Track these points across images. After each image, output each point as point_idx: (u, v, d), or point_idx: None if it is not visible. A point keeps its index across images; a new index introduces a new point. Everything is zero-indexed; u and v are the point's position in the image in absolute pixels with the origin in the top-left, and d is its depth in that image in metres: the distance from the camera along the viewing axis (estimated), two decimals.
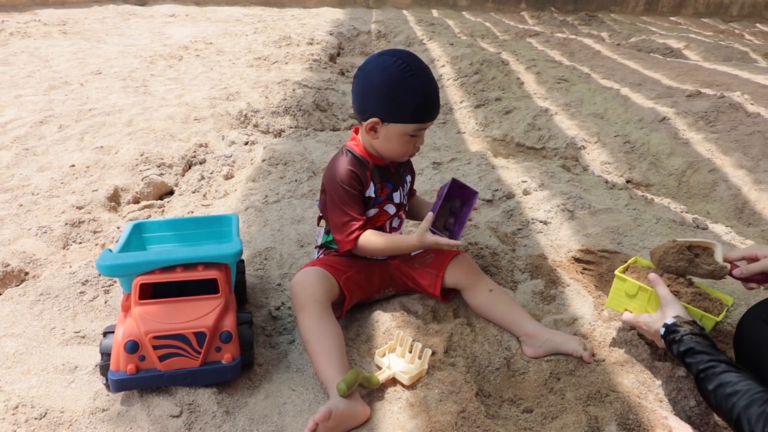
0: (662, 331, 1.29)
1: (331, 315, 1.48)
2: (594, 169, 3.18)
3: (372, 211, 1.64)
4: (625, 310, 1.47)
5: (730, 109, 3.47)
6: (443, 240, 1.48)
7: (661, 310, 1.35)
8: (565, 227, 2.25)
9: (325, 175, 1.64)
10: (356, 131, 1.64)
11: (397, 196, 1.69)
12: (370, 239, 1.57)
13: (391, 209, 1.67)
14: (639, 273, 1.49)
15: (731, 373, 1.12)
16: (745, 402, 1.06)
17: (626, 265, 1.55)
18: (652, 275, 1.40)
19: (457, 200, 1.68)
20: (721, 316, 1.35)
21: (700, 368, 1.17)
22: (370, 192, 1.61)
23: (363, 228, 1.58)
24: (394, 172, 1.68)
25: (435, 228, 1.53)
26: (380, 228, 1.66)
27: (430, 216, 1.51)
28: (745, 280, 1.40)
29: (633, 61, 5.64)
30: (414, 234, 1.53)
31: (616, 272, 1.49)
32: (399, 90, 1.45)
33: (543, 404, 1.38)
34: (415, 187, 1.86)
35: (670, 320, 1.28)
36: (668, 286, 1.41)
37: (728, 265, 1.41)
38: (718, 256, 1.44)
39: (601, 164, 3.22)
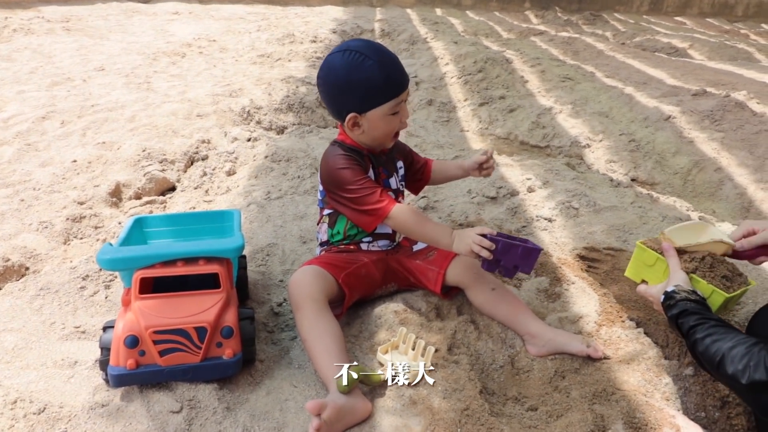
0: (662, 298, 1.32)
1: (328, 312, 1.45)
2: (599, 168, 3.15)
3: None
4: (642, 281, 1.48)
5: (736, 108, 3.44)
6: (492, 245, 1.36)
7: (668, 280, 1.37)
8: (570, 225, 2.23)
9: (321, 173, 1.61)
10: (341, 126, 1.64)
11: (393, 182, 1.68)
12: (404, 211, 1.50)
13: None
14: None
15: (720, 327, 1.16)
16: (729, 344, 1.09)
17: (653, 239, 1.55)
18: (665, 244, 1.41)
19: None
20: (733, 294, 1.31)
21: (690, 324, 1.21)
22: (371, 177, 1.60)
23: (387, 196, 1.53)
24: (386, 159, 1.68)
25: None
26: None
27: (490, 231, 1.41)
28: (748, 256, 1.42)
29: (637, 60, 5.60)
30: (455, 231, 1.46)
31: (638, 242, 1.50)
32: (359, 78, 1.46)
33: (548, 402, 1.36)
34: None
35: (670, 288, 1.32)
36: (695, 259, 1.39)
37: (734, 244, 1.42)
38: (716, 234, 1.44)
39: (605, 162, 3.20)
